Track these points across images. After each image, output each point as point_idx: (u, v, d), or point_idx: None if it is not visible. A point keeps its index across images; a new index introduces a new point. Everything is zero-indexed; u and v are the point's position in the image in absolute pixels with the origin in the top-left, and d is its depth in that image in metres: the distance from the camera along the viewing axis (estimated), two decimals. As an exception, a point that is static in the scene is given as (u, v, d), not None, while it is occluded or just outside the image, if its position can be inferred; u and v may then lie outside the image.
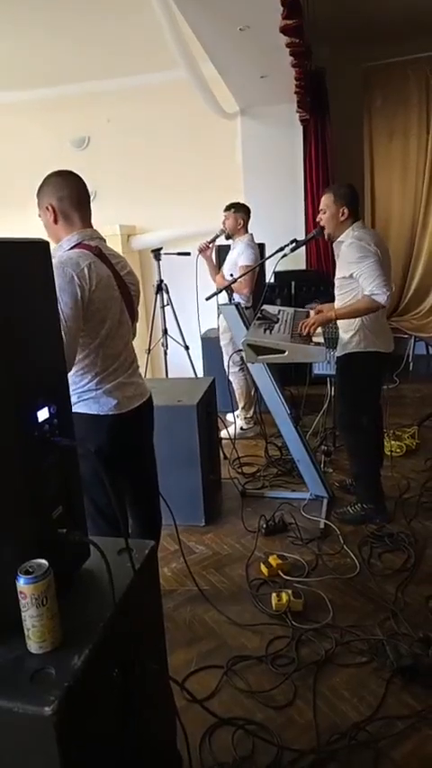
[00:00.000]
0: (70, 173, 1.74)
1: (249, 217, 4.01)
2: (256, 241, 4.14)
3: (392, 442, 3.58)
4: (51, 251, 1.67)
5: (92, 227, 1.77)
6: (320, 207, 2.69)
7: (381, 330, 2.67)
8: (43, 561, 0.95)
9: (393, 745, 1.59)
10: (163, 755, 1.37)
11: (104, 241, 1.81)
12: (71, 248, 1.68)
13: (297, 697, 1.78)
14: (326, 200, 2.65)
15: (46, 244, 1.12)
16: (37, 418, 1.03)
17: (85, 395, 1.72)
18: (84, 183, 1.75)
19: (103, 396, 1.74)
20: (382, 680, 1.81)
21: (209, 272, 4.06)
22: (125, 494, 1.95)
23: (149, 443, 2.03)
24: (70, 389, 1.68)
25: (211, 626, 2.14)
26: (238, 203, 4.00)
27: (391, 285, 2.50)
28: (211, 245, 3.98)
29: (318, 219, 2.71)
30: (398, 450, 3.56)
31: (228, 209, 3.97)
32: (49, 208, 1.71)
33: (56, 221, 1.72)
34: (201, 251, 3.95)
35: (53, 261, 1.62)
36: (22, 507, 1.01)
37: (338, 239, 2.64)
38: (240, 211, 3.95)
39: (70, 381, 1.68)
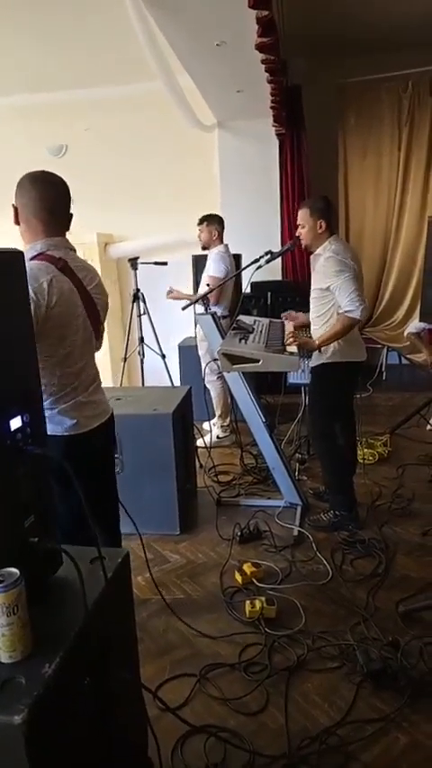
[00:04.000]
0: (44, 178, 1.65)
1: (223, 226, 4.06)
2: (233, 251, 4.19)
3: (365, 450, 3.64)
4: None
5: (62, 235, 1.69)
6: (298, 221, 2.75)
7: (354, 340, 2.73)
8: (14, 570, 0.95)
9: (363, 749, 1.62)
10: (134, 764, 1.37)
11: (74, 251, 1.74)
12: (32, 258, 1.61)
13: (269, 703, 1.80)
14: (303, 215, 2.72)
15: (20, 254, 1.13)
16: (9, 427, 1.03)
17: None
18: (60, 189, 1.67)
19: (58, 415, 1.67)
20: (353, 684, 1.84)
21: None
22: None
23: (109, 462, 1.95)
24: None
25: (184, 634, 2.14)
26: (211, 215, 4.05)
27: (364, 298, 2.57)
28: (173, 290, 4.12)
29: (297, 234, 2.78)
30: (370, 458, 3.63)
31: (201, 222, 4.02)
32: (13, 208, 1.67)
33: (17, 222, 1.68)
34: (170, 295, 4.08)
35: None
36: (-6, 516, 1.02)
37: (316, 252, 2.71)
38: (213, 223, 4.01)
39: None
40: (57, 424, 1.67)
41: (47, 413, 1.62)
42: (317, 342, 2.64)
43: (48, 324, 1.58)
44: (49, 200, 1.65)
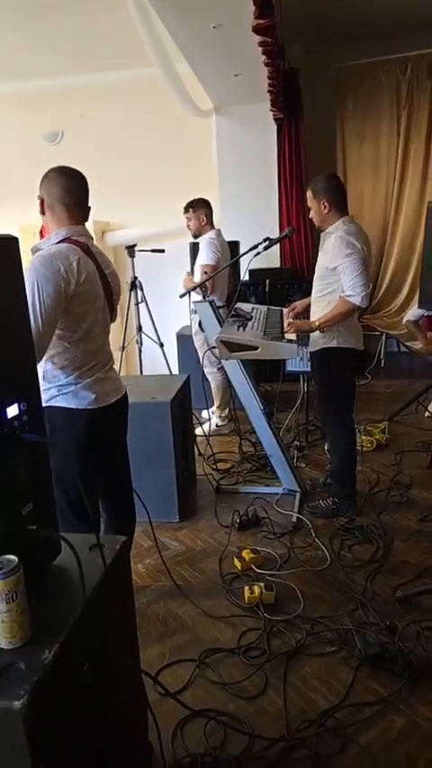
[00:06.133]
0: (70, 171, 1.77)
1: (211, 210, 3.91)
2: (231, 239, 4.14)
3: (363, 437, 3.65)
4: (38, 243, 1.72)
5: (83, 224, 1.80)
6: (308, 204, 2.74)
7: (353, 328, 2.71)
8: (12, 557, 0.95)
9: (361, 731, 1.64)
10: (134, 747, 1.39)
11: (92, 239, 1.85)
12: (59, 242, 1.71)
13: (268, 687, 1.82)
14: (308, 197, 2.70)
15: (14, 240, 1.12)
16: (6, 414, 1.03)
17: (65, 389, 1.75)
18: (84, 182, 1.79)
19: (82, 390, 1.76)
20: (351, 668, 1.86)
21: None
22: (99, 489, 1.96)
23: (124, 439, 2.05)
24: (50, 384, 1.71)
25: (183, 620, 2.16)
26: (196, 200, 3.87)
27: (369, 284, 2.55)
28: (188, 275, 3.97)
29: (310, 216, 2.77)
30: (368, 446, 3.64)
31: (187, 209, 3.86)
32: (39, 198, 1.78)
33: (43, 212, 1.78)
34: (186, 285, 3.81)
35: (41, 252, 1.65)
36: (-8, 504, 1.02)
37: (327, 230, 2.66)
38: (200, 208, 3.84)
39: (50, 376, 1.72)
40: (81, 399, 1.76)
41: (71, 388, 1.75)
42: (316, 323, 2.62)
43: (75, 300, 1.67)
44: (74, 189, 1.76)
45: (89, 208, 1.84)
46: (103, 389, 1.82)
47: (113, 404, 1.86)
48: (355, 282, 2.48)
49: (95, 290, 1.76)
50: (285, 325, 2.74)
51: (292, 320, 2.77)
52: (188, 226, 3.93)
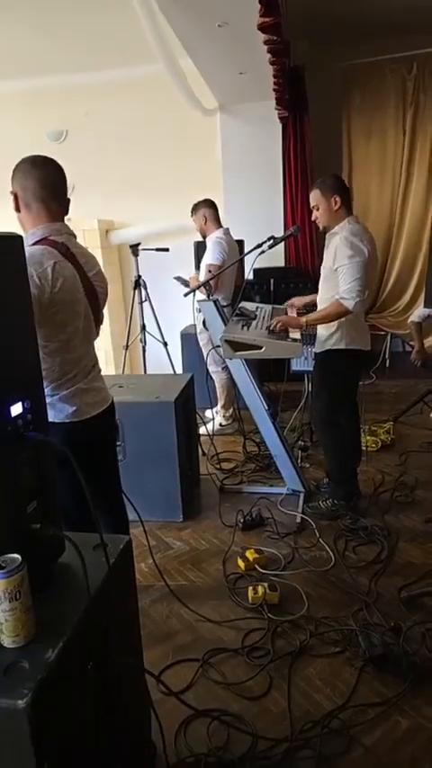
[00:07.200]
0: (45, 161, 1.64)
1: (215, 208, 3.89)
2: (236, 237, 4.13)
3: (368, 438, 3.63)
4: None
5: (62, 220, 1.68)
6: (312, 205, 2.66)
7: (360, 328, 2.68)
8: (16, 556, 0.95)
9: (365, 732, 1.63)
10: (137, 747, 1.39)
11: (74, 237, 1.73)
12: (34, 243, 1.60)
13: (272, 687, 1.81)
14: (315, 196, 2.63)
15: (20, 238, 1.12)
16: (10, 413, 1.03)
17: None
18: (59, 173, 1.66)
19: (59, 402, 1.66)
20: (355, 669, 1.86)
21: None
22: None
23: (111, 448, 1.95)
24: None
25: (187, 620, 2.15)
26: (199, 201, 3.87)
27: (366, 291, 2.48)
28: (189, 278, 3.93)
29: (313, 219, 2.68)
30: (373, 446, 3.62)
31: (191, 212, 3.88)
32: (12, 194, 1.64)
33: (17, 209, 1.65)
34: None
35: None
36: (-5, 502, 1.01)
37: (333, 230, 2.61)
38: (201, 208, 3.84)
39: None
40: (58, 411, 1.66)
41: (47, 400, 1.61)
42: (304, 319, 2.60)
43: (50, 309, 1.56)
44: (49, 182, 1.63)
45: (68, 200, 1.70)
46: (84, 401, 1.70)
47: (97, 415, 1.74)
48: (352, 287, 2.44)
49: (75, 296, 1.63)
50: (273, 321, 2.67)
51: (282, 316, 2.71)
52: (196, 228, 3.95)
